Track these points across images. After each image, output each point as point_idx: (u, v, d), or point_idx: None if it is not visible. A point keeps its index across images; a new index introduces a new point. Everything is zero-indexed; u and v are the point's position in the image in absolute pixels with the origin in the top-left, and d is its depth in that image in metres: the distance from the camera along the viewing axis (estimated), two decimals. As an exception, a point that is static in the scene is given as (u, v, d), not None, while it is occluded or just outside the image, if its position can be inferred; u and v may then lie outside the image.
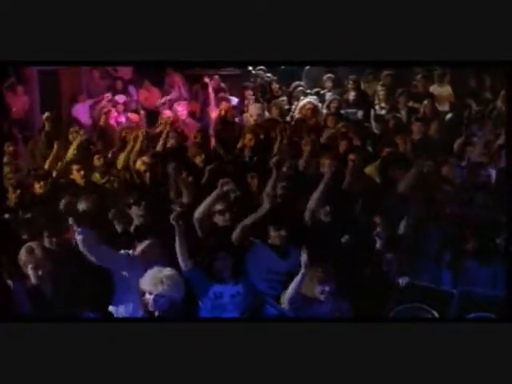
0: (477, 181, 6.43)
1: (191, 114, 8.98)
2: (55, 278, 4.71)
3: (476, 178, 6.48)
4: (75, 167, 6.52)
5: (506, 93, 4.08)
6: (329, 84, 9.49)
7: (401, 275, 5.13)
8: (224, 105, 8.74)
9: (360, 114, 8.71)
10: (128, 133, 7.48)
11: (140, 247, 4.92)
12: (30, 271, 4.62)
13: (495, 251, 5.35)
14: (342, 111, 8.71)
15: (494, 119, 7.87)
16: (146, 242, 4.92)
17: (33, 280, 4.62)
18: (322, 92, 9.55)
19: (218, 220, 5.35)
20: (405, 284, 5.13)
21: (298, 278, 4.63)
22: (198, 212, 5.22)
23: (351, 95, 9.03)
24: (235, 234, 5.16)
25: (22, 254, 4.69)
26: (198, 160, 6.79)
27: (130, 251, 4.96)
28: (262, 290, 5.00)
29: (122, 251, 4.96)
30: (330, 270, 4.74)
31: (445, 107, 8.64)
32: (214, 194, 5.22)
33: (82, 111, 8.98)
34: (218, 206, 5.31)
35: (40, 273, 4.64)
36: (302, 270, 4.59)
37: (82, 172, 6.47)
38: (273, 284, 5.06)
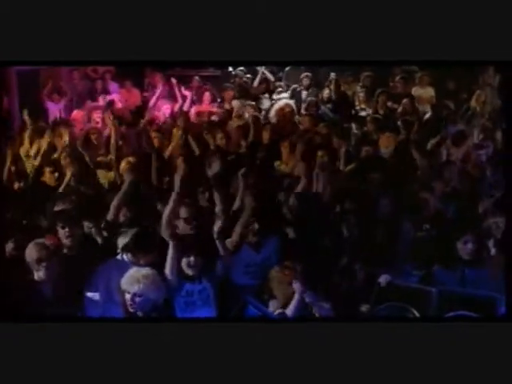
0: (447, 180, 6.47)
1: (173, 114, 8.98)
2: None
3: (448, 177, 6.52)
4: (47, 169, 6.51)
5: (505, 93, 4.11)
6: (306, 82, 9.54)
7: (381, 274, 5.20)
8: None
9: (339, 114, 8.76)
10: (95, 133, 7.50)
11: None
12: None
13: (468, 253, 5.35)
14: (321, 112, 8.77)
15: (469, 119, 7.96)
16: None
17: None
18: (298, 90, 9.60)
19: (184, 228, 5.27)
20: (385, 283, 5.18)
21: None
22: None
23: (331, 96, 9.09)
24: (231, 242, 5.18)
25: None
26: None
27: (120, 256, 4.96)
28: (244, 283, 5.08)
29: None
30: (301, 269, 4.77)
31: (426, 109, 8.72)
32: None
33: (54, 110, 8.94)
34: (183, 214, 5.30)
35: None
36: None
37: (56, 174, 6.46)
38: (252, 275, 5.15)
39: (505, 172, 4.18)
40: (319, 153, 6.72)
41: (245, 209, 5.26)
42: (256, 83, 9.73)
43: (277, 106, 8.96)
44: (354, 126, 8.31)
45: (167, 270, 4.70)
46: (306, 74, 9.52)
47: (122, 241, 4.93)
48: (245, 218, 5.23)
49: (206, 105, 9.23)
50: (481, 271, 5.15)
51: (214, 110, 9.10)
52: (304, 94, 9.48)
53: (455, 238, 5.23)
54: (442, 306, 4.91)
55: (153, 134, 7.59)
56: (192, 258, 4.77)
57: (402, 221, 5.78)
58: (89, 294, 4.80)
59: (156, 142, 7.42)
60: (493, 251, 5.37)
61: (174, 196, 4.91)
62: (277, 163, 7.06)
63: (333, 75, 9.04)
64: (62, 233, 4.98)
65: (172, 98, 9.15)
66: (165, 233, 4.81)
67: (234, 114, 8.70)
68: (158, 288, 4.35)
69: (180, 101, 8.91)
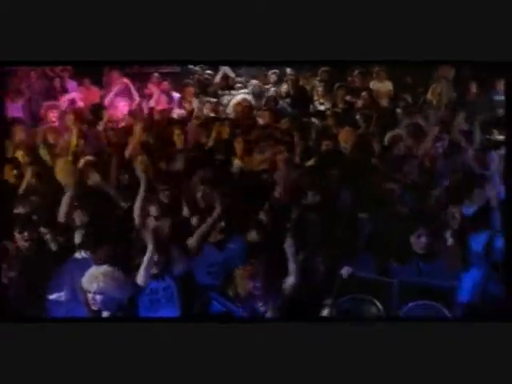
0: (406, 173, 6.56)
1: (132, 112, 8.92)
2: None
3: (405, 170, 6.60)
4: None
5: (505, 94, 4.16)
6: (274, 79, 9.57)
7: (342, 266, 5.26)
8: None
9: (298, 109, 8.81)
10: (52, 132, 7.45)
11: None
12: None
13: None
14: (279, 107, 8.81)
15: (426, 111, 8.08)
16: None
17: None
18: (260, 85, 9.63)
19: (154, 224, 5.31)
20: (347, 275, 5.24)
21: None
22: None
23: (289, 91, 9.12)
24: (192, 243, 5.20)
25: None
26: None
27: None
28: (208, 283, 5.09)
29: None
30: (260, 265, 4.81)
31: (384, 102, 8.81)
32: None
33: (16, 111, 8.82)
34: (153, 212, 5.31)
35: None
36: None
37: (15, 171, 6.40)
38: (215, 275, 5.17)
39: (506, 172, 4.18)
40: (279, 148, 6.77)
41: (214, 209, 5.28)
42: (217, 79, 9.72)
43: (234, 100, 8.98)
44: (313, 120, 8.38)
45: (142, 270, 4.66)
46: (274, 70, 9.55)
47: (77, 239, 4.93)
48: (213, 219, 5.25)
49: (166, 102, 9.17)
50: (436, 263, 5.23)
51: (174, 107, 9.06)
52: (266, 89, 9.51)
53: (409, 232, 5.29)
54: (403, 296, 5.00)
55: (111, 133, 7.55)
56: (156, 256, 4.78)
57: (362, 214, 5.86)
58: (53, 295, 4.78)
59: (115, 140, 7.39)
60: (450, 241, 5.48)
61: (141, 194, 4.92)
62: (234, 159, 7.09)
63: (289, 70, 9.07)
64: (20, 237, 4.97)
65: (130, 95, 9.09)
66: (141, 232, 4.82)
67: (193, 113, 8.68)
68: (120, 285, 4.34)
69: (137, 99, 8.86)
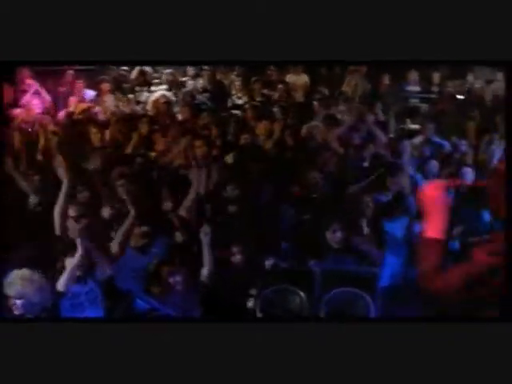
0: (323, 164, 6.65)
1: (45, 111, 8.72)
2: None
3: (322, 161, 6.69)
4: None
5: (506, 93, 4.20)
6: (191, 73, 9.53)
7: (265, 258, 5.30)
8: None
9: (217, 104, 8.82)
10: None
11: None
12: None
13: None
14: (198, 102, 8.80)
15: (341, 102, 8.23)
16: None
17: None
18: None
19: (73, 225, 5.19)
20: (270, 266, 5.29)
21: None
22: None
23: (206, 86, 9.12)
24: (113, 246, 5.13)
25: None
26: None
27: None
28: (131, 286, 4.97)
29: None
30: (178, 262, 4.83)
31: (300, 95, 8.92)
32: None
33: None
34: (72, 212, 5.22)
35: None
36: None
37: None
38: (139, 279, 5.06)
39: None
40: (197, 143, 6.76)
41: (129, 212, 5.23)
42: (133, 75, 9.60)
43: (153, 97, 8.90)
44: (232, 114, 8.40)
45: (66, 274, 4.55)
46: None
47: None
48: (129, 221, 5.20)
49: (81, 99, 9.00)
50: (355, 253, 5.30)
51: (90, 104, 8.90)
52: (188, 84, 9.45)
53: (325, 227, 5.34)
54: (326, 285, 5.09)
55: (20, 132, 7.36)
56: (79, 259, 4.65)
57: (284, 207, 5.92)
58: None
59: (27, 139, 7.22)
60: (366, 230, 5.59)
61: (62, 196, 4.83)
62: (152, 154, 7.05)
63: (207, 68, 9.07)
64: None
65: (41, 94, 8.88)
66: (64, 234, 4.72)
67: (108, 111, 8.55)
68: (39, 289, 4.22)
69: (48, 97, 8.67)
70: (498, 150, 6.97)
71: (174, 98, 8.96)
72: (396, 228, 5.79)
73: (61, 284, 4.52)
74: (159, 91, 9.09)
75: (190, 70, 9.44)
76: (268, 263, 5.29)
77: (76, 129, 7.76)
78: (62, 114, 8.55)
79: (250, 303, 5.00)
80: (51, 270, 4.61)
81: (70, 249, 4.68)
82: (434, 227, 2.52)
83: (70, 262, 4.58)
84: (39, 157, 6.90)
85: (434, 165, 6.82)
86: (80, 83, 9.18)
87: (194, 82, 9.29)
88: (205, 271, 4.88)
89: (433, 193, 2.57)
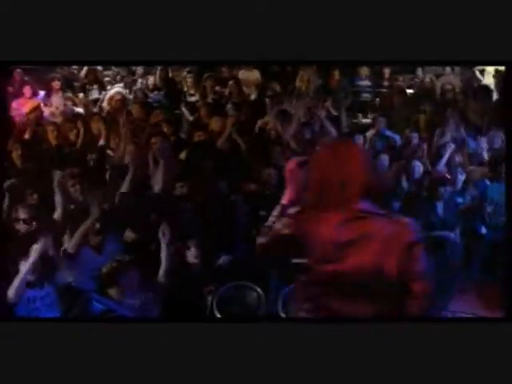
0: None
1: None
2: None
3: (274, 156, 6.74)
4: None
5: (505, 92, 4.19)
6: (141, 71, 9.44)
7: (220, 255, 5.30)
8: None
9: (169, 101, 8.79)
10: None
11: None
12: None
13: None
14: (150, 100, 8.75)
15: (294, 98, 8.27)
16: None
17: None
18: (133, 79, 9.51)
19: (22, 228, 5.12)
20: (227, 263, 5.29)
21: None
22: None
23: (156, 83, 9.07)
24: (71, 244, 5.05)
25: None
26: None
27: None
28: (90, 287, 4.90)
29: None
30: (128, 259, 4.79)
31: (252, 91, 8.93)
32: None
33: None
34: (22, 214, 5.14)
35: None
36: None
37: None
38: (94, 280, 4.99)
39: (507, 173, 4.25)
40: (152, 139, 6.72)
41: (90, 212, 5.15)
42: (83, 73, 9.48)
43: (108, 95, 8.82)
44: (184, 111, 8.38)
45: (17, 281, 4.43)
46: None
47: None
48: (91, 220, 5.13)
49: (28, 99, 8.84)
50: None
51: (39, 103, 8.76)
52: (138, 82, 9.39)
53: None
54: (283, 279, 5.10)
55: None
56: (32, 263, 4.50)
57: (238, 203, 5.93)
58: None
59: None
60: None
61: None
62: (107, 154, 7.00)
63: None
64: None
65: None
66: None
67: (57, 110, 8.45)
68: None
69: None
70: (449, 144, 7.10)
71: (129, 96, 8.90)
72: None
73: (13, 291, 4.43)
74: (115, 88, 9.02)
75: (140, 68, 9.41)
76: (224, 260, 5.30)
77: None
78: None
79: (208, 300, 4.98)
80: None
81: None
82: (287, 196, 2.99)
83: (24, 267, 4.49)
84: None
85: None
86: (29, 81, 9.03)
87: (145, 80, 9.24)
88: (161, 269, 4.85)
89: (290, 167, 2.95)
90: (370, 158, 3.04)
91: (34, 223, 5.12)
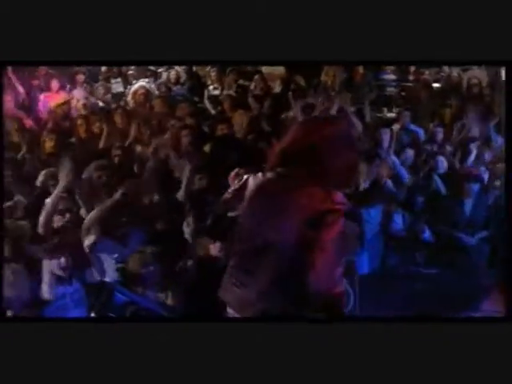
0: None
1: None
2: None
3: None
4: None
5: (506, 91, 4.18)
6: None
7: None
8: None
9: (193, 94, 8.79)
10: None
11: None
12: None
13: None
14: (173, 93, 8.76)
15: (319, 92, 8.22)
16: None
17: None
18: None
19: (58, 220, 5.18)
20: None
21: None
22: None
23: (179, 77, 9.09)
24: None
25: None
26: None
27: None
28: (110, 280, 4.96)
29: None
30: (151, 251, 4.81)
31: (276, 85, 8.91)
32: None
33: None
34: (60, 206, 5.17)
35: None
36: None
37: None
38: (117, 272, 5.03)
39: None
40: (183, 132, 6.71)
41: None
42: (105, 67, 9.51)
43: (132, 89, 8.86)
44: (208, 105, 8.37)
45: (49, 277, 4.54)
46: None
47: None
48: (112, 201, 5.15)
49: (55, 92, 8.90)
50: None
51: (65, 97, 8.81)
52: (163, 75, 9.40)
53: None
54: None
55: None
56: (63, 259, 4.61)
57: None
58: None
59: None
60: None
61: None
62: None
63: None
64: None
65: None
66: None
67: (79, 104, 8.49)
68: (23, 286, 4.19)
69: (22, 91, 8.58)
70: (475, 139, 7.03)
71: (155, 90, 8.92)
72: (374, 215, 5.82)
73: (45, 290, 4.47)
74: (139, 82, 9.05)
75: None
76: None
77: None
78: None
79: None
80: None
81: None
82: None
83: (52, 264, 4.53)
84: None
85: (410, 154, 6.86)
86: (53, 75, 9.08)
87: (168, 74, 9.25)
88: (189, 262, 4.84)
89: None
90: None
91: (67, 215, 5.15)
